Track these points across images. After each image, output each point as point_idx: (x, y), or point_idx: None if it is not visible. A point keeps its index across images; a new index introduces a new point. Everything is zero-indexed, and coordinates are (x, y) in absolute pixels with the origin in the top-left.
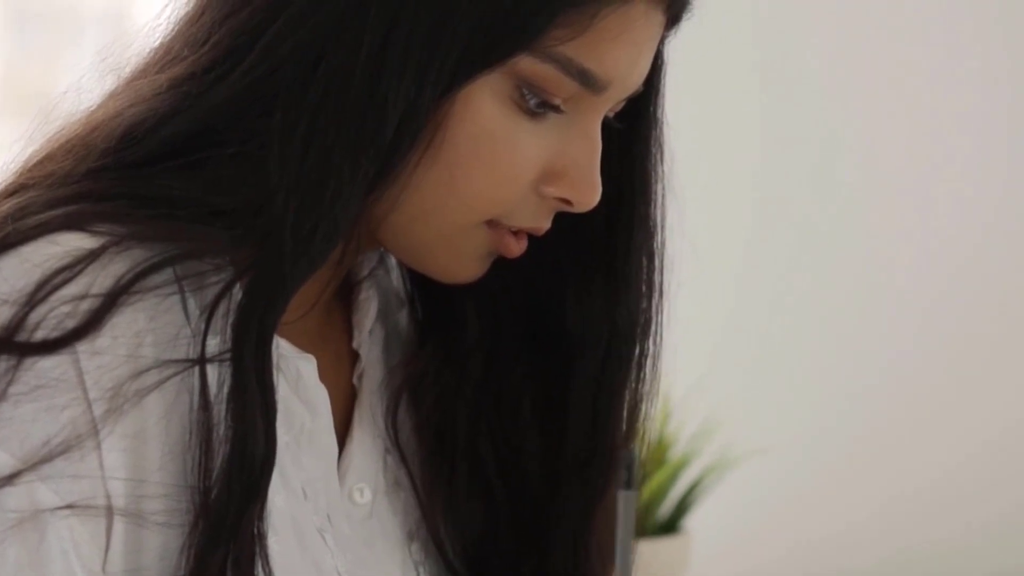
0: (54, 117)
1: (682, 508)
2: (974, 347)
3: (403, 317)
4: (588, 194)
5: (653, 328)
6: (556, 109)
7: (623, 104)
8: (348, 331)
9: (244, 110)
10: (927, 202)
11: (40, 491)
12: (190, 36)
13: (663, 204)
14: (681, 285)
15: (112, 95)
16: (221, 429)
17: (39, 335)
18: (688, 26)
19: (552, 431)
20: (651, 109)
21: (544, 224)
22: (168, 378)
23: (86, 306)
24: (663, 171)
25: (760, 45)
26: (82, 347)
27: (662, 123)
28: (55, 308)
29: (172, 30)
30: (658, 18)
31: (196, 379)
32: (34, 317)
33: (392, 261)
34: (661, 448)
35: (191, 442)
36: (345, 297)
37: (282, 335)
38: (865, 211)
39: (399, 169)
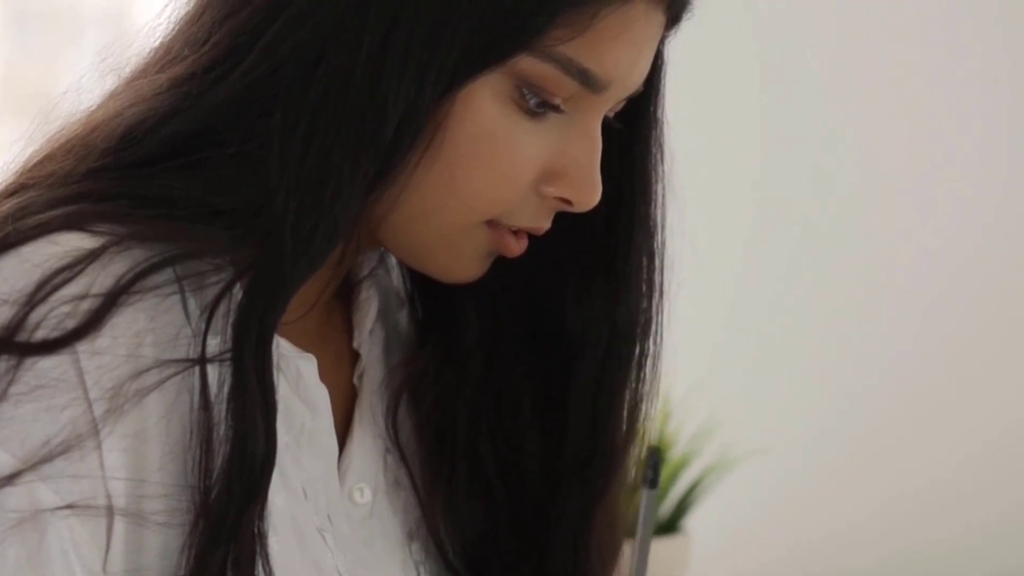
0: (54, 117)
1: (682, 508)
2: (974, 347)
3: (403, 317)
4: (588, 194)
5: (653, 328)
6: (556, 109)
7: (623, 104)
8: (348, 331)
9: (244, 110)
10: (927, 202)
11: (40, 491)
12: (190, 36)
13: (663, 204)
14: (681, 285)
15: (112, 95)
16: (221, 429)
17: (39, 335)
18: (688, 26)
19: (552, 431)
20: (651, 109)
21: (544, 224)
22: (168, 378)
23: (86, 306)
24: (663, 171)
25: (760, 45)
26: (82, 347)
27: (662, 123)
28: (55, 308)
29: (172, 30)
30: (658, 18)
31: (196, 379)
32: (34, 317)
33: (392, 261)
34: (661, 448)
35: (191, 442)
36: (345, 297)
37: (282, 335)
38: (865, 211)
39: (399, 169)
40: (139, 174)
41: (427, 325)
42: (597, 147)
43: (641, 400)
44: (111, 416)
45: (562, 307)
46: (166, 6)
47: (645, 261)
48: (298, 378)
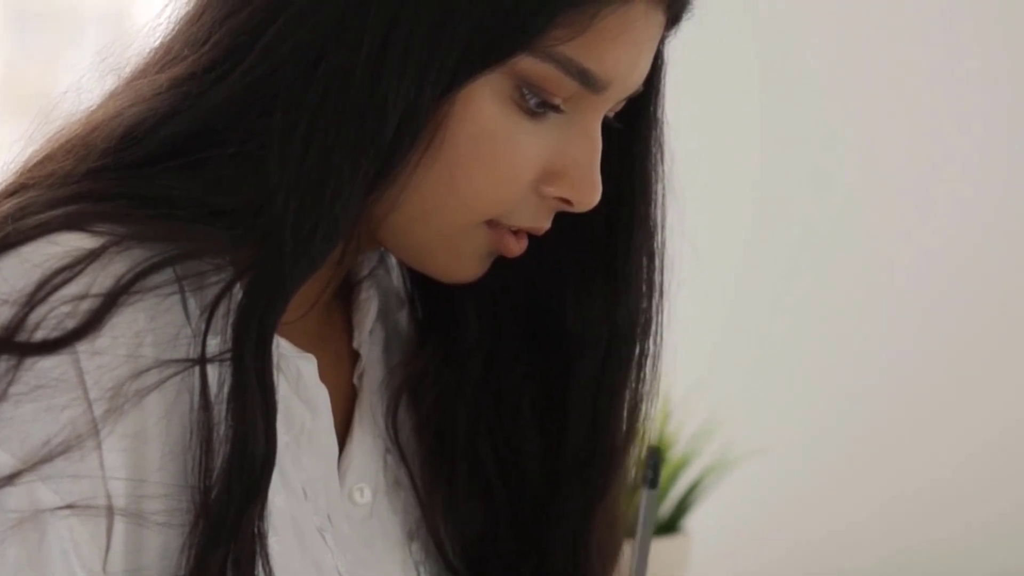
0: (54, 117)
1: (682, 508)
2: (974, 347)
3: (403, 317)
4: (588, 194)
5: (653, 328)
6: (556, 109)
7: (623, 104)
8: (348, 331)
9: (244, 110)
10: (927, 202)
11: (40, 491)
12: (190, 36)
13: (663, 204)
14: (681, 285)
15: (112, 95)
16: (221, 429)
17: (39, 335)
18: (688, 26)
19: (552, 431)
20: (651, 109)
21: (544, 224)
22: (168, 378)
23: (86, 306)
24: (663, 171)
25: (760, 45)
26: (82, 347)
27: (662, 123)
28: (55, 308)
29: (172, 30)
30: (658, 18)
31: (196, 379)
32: (34, 317)
33: (392, 261)
34: (661, 448)
35: (191, 442)
36: (345, 297)
37: (282, 335)
38: (865, 211)
39: (399, 169)
40: (139, 174)
41: (427, 325)
42: (597, 147)
43: (641, 400)
44: (111, 416)
45: (562, 307)
46: (166, 6)
47: (645, 261)
48: (298, 378)
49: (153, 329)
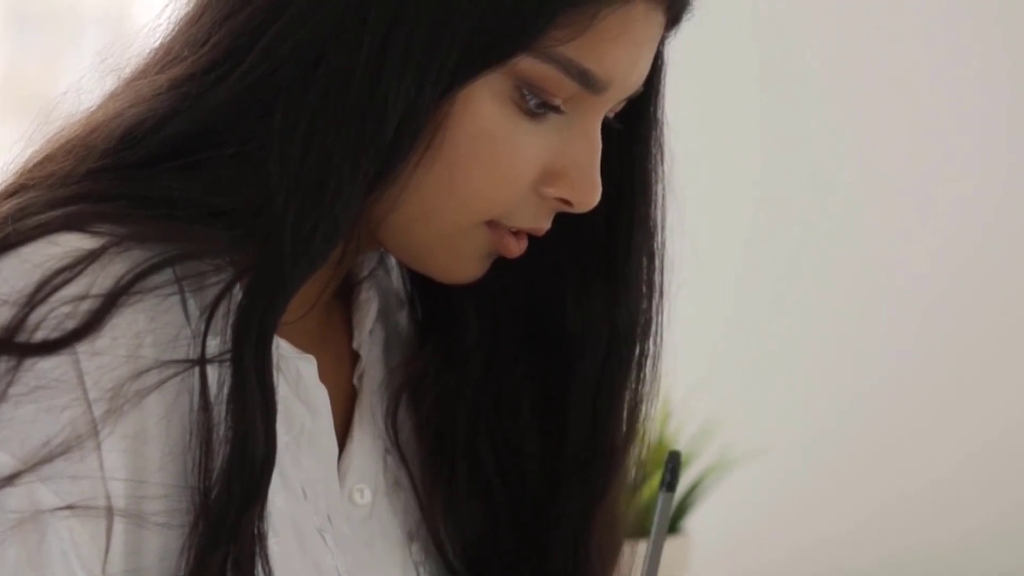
0: (54, 118)
1: (682, 509)
2: (974, 348)
3: (403, 317)
4: (588, 194)
5: (653, 329)
6: (556, 109)
7: (623, 104)
8: (348, 331)
9: (244, 111)
10: (927, 203)
11: (40, 492)
12: (190, 37)
13: (663, 205)
14: (681, 286)
15: (112, 96)
16: (221, 430)
17: (39, 336)
18: (688, 26)
19: (552, 432)
20: (651, 109)
21: (544, 224)
22: (168, 379)
23: (86, 307)
24: (663, 171)
25: (760, 46)
26: (82, 348)
27: (662, 123)
28: (55, 309)
29: (172, 31)
30: (658, 18)
31: (196, 380)
32: (34, 318)
33: (392, 261)
34: (661, 449)
35: (191, 443)
36: (345, 297)
37: (282, 335)
38: (865, 212)
39: (399, 169)
40: (139, 175)
41: (427, 326)
42: (597, 148)
43: (641, 401)
44: (111, 417)
45: (562, 308)
46: (166, 7)
47: (645, 262)
48: (298, 379)
49: (153, 330)
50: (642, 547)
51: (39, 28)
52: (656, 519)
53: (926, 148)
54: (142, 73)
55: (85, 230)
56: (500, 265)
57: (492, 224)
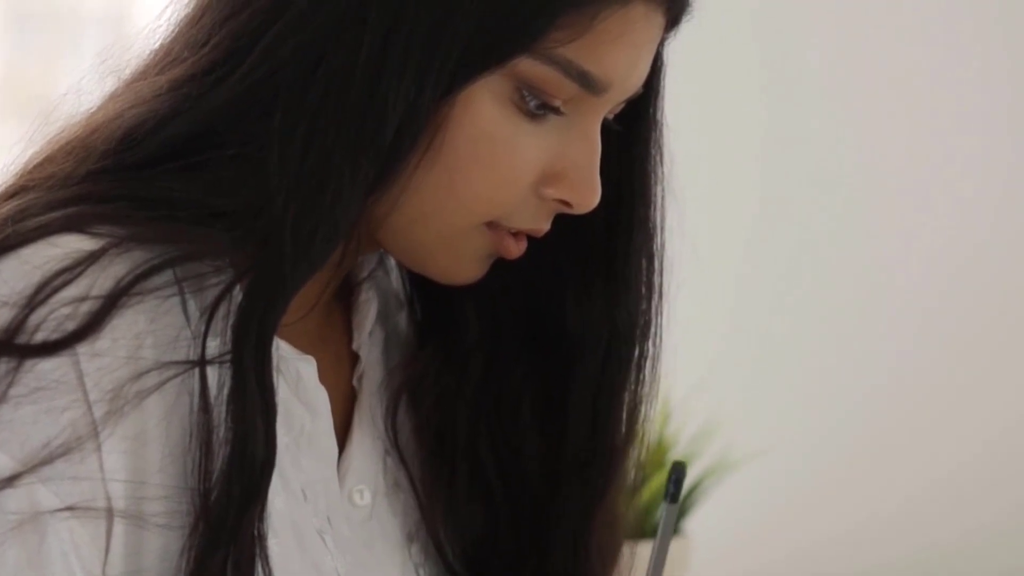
0: (54, 119)
1: (682, 510)
2: (975, 348)
3: (403, 318)
4: (588, 196)
5: (653, 330)
6: (556, 111)
7: (623, 106)
8: (348, 332)
9: (244, 112)
10: (927, 203)
11: (40, 493)
12: (190, 38)
13: (663, 206)
14: (681, 286)
15: (112, 97)
16: (221, 431)
17: (39, 337)
18: (688, 28)
19: (552, 432)
20: (651, 111)
21: (544, 226)
22: (168, 380)
23: (86, 308)
24: (663, 173)
25: (760, 46)
26: (82, 349)
27: (662, 125)
28: (55, 310)
29: (172, 32)
30: (658, 20)
31: (196, 381)
32: (34, 319)
33: (392, 262)
34: (661, 450)
35: (191, 444)
36: (345, 298)
37: (282, 336)
38: (865, 212)
39: (399, 171)
40: (139, 176)
41: (427, 327)
42: (597, 149)
43: (641, 402)
44: (111, 418)
45: (562, 309)
46: (166, 8)
47: (645, 263)
48: (298, 380)
49: (153, 331)
50: (642, 549)
51: (39, 28)
52: (660, 530)
53: (926, 148)
54: (142, 74)
55: (85, 231)
56: (500, 266)
57: (492, 225)
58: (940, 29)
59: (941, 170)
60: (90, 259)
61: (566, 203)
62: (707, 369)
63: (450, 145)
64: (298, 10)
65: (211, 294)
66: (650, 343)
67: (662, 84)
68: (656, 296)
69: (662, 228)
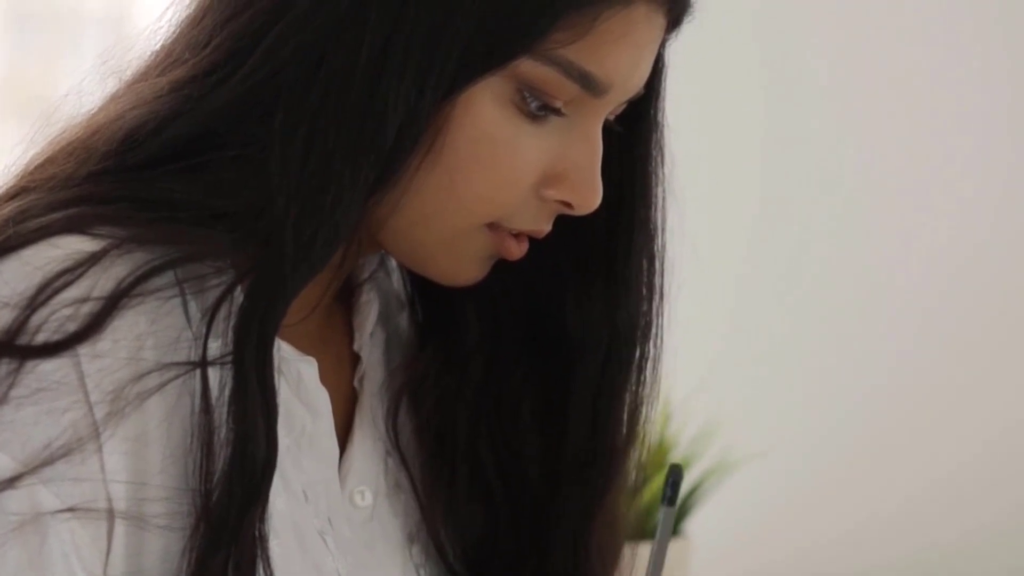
0: (55, 120)
1: (682, 511)
2: (976, 349)
3: (404, 320)
4: (589, 197)
5: (653, 331)
6: (557, 112)
7: (624, 107)
8: (349, 333)
9: (245, 113)
10: (928, 205)
11: (41, 494)
12: (191, 39)
13: (664, 207)
14: (681, 287)
15: (113, 98)
16: (222, 432)
17: (40, 338)
18: (689, 28)
19: (552, 434)
20: (652, 112)
21: (545, 227)
22: (169, 381)
23: (87, 309)
24: (664, 174)
25: (761, 47)
26: (83, 350)
27: (663, 126)
28: (56, 311)
29: (173, 33)
30: (659, 21)
31: (197, 382)
32: (35, 320)
33: (393, 263)
34: (661, 451)
35: (192, 445)
36: (346, 300)
37: (283, 338)
38: (866, 213)
39: (399, 173)
40: (140, 177)
41: (427, 328)
42: (598, 150)
43: (641, 403)
44: (112, 419)
45: (562, 310)
46: (167, 9)
47: (645, 264)
48: (299, 381)
49: (154, 332)
50: (643, 551)
51: (39, 28)
52: (658, 533)
53: (926, 149)
54: (143, 75)
55: (86, 232)
56: (501, 267)
57: (493, 226)
58: (940, 29)
59: (941, 170)
60: (91, 260)
61: (567, 204)
62: (707, 370)
63: (451, 146)
64: (299, 11)
65: (212, 295)
66: (651, 344)
67: (663, 85)
68: (657, 297)
69: (663, 229)
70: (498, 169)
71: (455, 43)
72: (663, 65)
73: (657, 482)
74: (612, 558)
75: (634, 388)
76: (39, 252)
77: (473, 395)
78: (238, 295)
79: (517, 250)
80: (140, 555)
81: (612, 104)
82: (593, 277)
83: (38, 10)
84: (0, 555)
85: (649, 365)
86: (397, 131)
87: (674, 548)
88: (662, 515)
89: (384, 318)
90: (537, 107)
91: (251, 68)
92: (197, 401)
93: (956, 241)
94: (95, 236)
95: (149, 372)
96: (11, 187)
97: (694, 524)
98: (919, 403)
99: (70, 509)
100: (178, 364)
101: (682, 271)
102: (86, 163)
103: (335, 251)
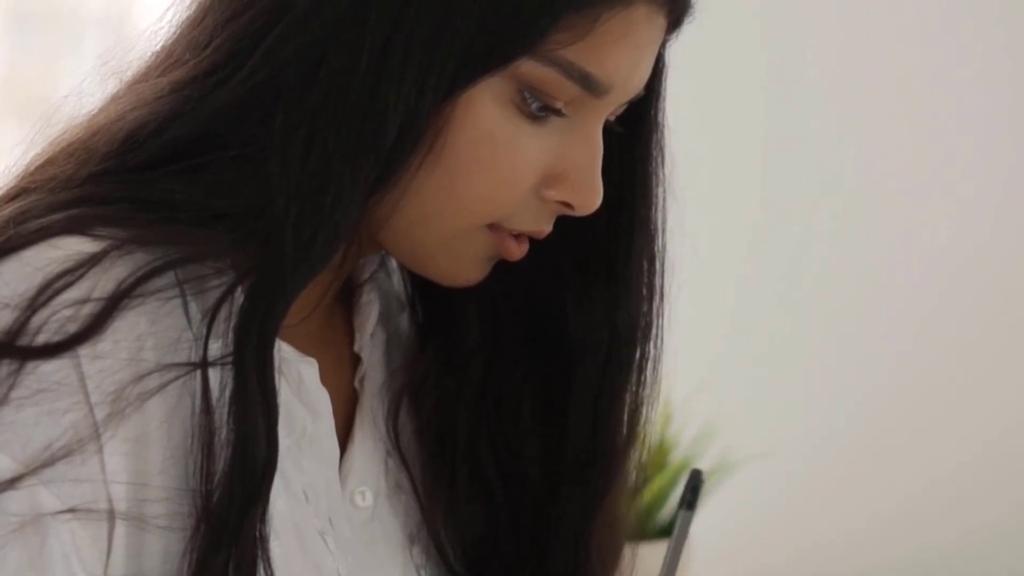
0: (56, 121)
1: None
2: (976, 349)
3: (404, 320)
4: (589, 198)
5: (654, 331)
6: (557, 113)
7: (624, 107)
8: (349, 334)
9: (245, 113)
10: (928, 205)
11: (42, 495)
12: (192, 39)
13: (664, 207)
14: (682, 288)
15: (114, 99)
16: (223, 433)
17: (41, 339)
18: (689, 29)
19: (552, 435)
20: (652, 112)
21: (545, 227)
22: (170, 382)
23: (88, 310)
24: (664, 174)
25: (761, 48)
26: (84, 351)
27: (663, 126)
28: (57, 312)
29: (174, 33)
30: (660, 21)
31: (198, 383)
32: (36, 321)
33: (393, 264)
34: (662, 452)
35: (193, 446)
36: (346, 300)
37: (284, 338)
38: (866, 213)
39: (400, 173)
40: (140, 178)
41: (428, 329)
42: (598, 151)
43: (642, 404)
44: (113, 420)
45: (563, 311)
46: (167, 9)
47: (646, 265)
48: (299, 382)
49: (154, 333)
50: (644, 552)
51: (39, 28)
52: (674, 537)
53: (927, 149)
54: (144, 76)
55: (86, 233)
56: (501, 268)
57: (493, 227)
58: (940, 29)
59: (941, 170)
60: (91, 261)
61: (567, 205)
62: (708, 370)
63: (451, 147)
64: (299, 12)
65: (212, 296)
66: (651, 345)
67: (664, 86)
68: (657, 298)
69: (663, 229)
70: (498, 169)
71: (455, 43)
72: (663, 66)
73: (657, 483)
74: (612, 559)
75: (634, 389)
76: (40, 253)
77: (473, 396)
78: (238, 296)
79: (517, 251)
80: (141, 556)
81: (612, 105)
82: (593, 278)
83: (38, 10)
84: (0, 556)
85: (649, 365)
86: (397, 131)
87: None
88: (680, 519)
89: (385, 319)
90: (537, 108)
91: (251, 69)
92: (198, 402)
93: (956, 241)
94: (96, 237)
95: (150, 373)
96: (11, 188)
97: (694, 524)
98: (919, 403)
99: (71, 510)
100: (179, 365)
101: (682, 271)
102: (87, 164)
103: (335, 251)
